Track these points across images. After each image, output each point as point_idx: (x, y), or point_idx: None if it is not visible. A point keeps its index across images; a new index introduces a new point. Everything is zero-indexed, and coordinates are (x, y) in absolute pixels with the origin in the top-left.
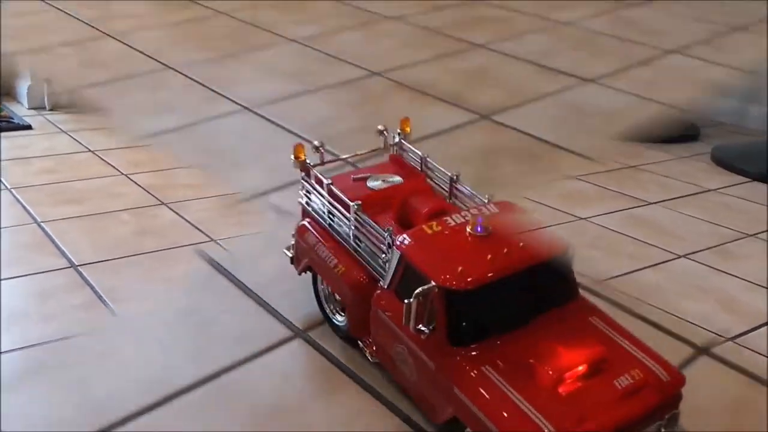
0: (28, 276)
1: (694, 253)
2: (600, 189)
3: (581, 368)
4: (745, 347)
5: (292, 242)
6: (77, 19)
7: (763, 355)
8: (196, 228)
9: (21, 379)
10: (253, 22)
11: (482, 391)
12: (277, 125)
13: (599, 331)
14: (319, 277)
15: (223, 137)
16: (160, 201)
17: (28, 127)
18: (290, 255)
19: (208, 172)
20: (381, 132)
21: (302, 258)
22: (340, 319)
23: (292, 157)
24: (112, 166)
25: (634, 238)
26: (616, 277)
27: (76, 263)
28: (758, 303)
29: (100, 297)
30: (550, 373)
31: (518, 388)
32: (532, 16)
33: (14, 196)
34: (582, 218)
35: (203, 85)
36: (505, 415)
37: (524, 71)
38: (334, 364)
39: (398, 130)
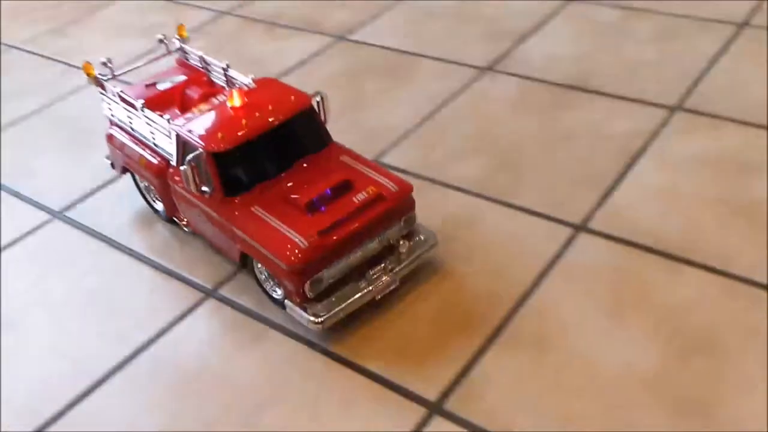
0: None
1: None
2: None
3: (327, 193)
4: None
5: (108, 152)
6: None
7: None
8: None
9: None
10: None
11: (251, 224)
12: None
13: (345, 165)
14: (137, 175)
15: (85, 112)
16: None
17: None
18: (110, 162)
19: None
20: (161, 41)
21: (117, 161)
22: (159, 206)
23: (85, 75)
24: None
25: None
26: None
27: None
28: None
29: None
30: (300, 200)
31: (278, 217)
32: None
33: None
34: None
35: (53, 60)
36: (267, 235)
37: None
38: (250, 317)
39: (176, 36)
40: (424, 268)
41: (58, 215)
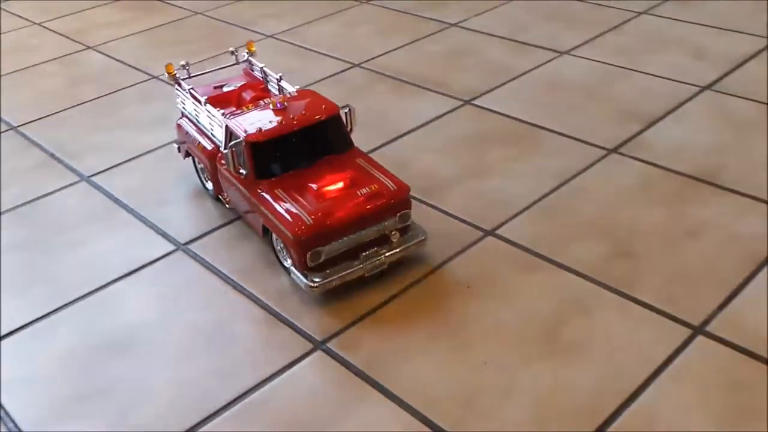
0: None
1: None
2: None
3: (339, 185)
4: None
5: (177, 137)
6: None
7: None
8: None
9: None
10: (228, 20)
11: (272, 202)
12: None
13: (359, 166)
14: (195, 158)
15: None
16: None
17: None
18: (177, 146)
19: None
20: (232, 53)
21: (182, 146)
22: (209, 186)
23: (166, 73)
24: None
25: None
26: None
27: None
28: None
29: (52, 155)
30: (314, 188)
31: (294, 199)
32: None
33: None
34: None
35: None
36: (282, 212)
37: (500, 49)
38: (354, 373)
39: (246, 51)
40: (539, 354)
41: (182, 247)
